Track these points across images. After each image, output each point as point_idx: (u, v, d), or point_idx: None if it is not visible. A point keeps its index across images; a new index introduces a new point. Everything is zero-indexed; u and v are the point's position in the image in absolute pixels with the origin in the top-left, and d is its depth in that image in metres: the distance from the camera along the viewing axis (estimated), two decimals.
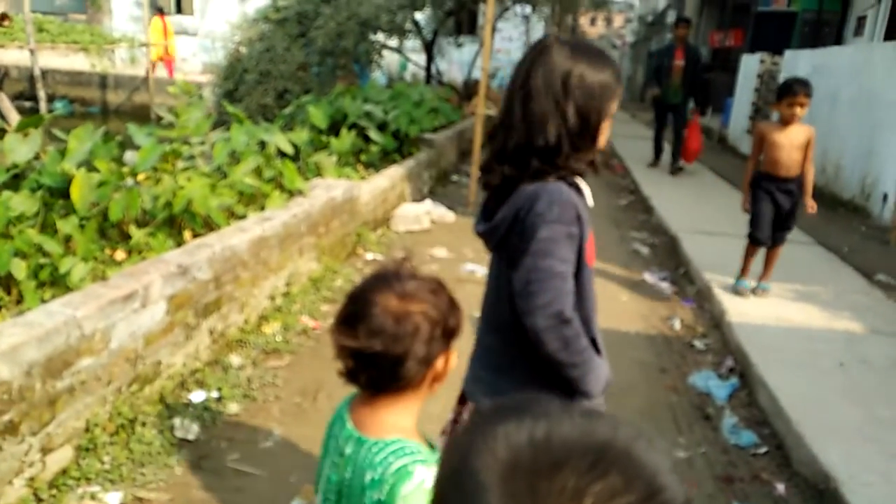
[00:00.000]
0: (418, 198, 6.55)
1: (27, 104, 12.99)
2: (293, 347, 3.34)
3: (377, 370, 1.03)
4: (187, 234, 3.26)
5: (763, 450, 2.76)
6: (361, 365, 1.03)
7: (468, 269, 4.81)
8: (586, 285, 1.42)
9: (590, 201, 1.44)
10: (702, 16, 15.39)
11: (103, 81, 15.77)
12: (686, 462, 2.68)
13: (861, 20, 10.74)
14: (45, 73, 14.92)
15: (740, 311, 3.91)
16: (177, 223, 3.38)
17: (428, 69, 11.58)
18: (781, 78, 9.67)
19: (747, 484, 2.54)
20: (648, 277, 4.94)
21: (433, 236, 5.63)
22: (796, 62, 9.21)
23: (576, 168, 1.39)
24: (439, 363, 1.08)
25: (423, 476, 0.97)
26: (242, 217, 3.62)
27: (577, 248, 1.37)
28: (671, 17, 17.81)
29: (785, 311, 3.92)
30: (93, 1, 18.82)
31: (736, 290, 4.24)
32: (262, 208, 3.79)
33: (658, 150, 9.16)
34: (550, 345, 1.32)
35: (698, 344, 3.81)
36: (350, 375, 1.06)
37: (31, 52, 10.15)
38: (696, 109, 8.51)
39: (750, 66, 11.44)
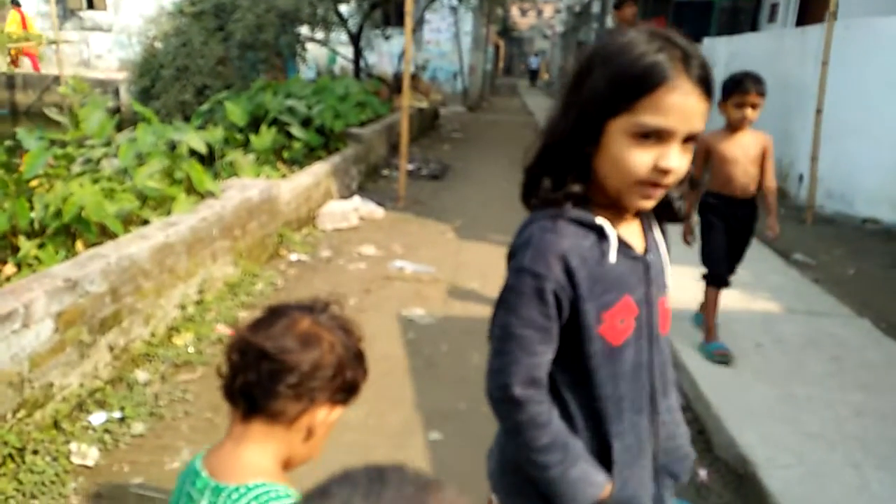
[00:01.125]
0: (346, 194, 6.39)
1: None
2: (207, 359, 3.16)
3: (256, 375, 0.93)
4: (80, 245, 3.03)
5: None
6: (244, 365, 0.94)
7: (397, 266, 4.71)
8: (599, 369, 1.04)
9: (612, 255, 1.03)
10: None
11: (10, 82, 14.83)
12: None
13: (774, 7, 11.15)
14: None
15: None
16: (71, 233, 3.15)
17: (356, 62, 11.36)
18: None
19: None
20: None
21: (362, 233, 5.50)
22: (714, 49, 9.47)
23: (593, 196, 1.04)
24: (320, 413, 0.96)
25: None
26: (147, 223, 3.40)
27: (574, 313, 1.02)
28: (597, 7, 18.09)
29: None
30: None
31: (713, 359, 3.10)
32: (170, 213, 3.58)
33: None
34: (502, 423, 1.07)
35: None
36: (228, 379, 0.96)
37: None
38: None
39: None
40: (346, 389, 0.99)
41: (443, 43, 16.90)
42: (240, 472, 0.93)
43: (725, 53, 8.93)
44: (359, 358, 1.01)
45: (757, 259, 4.81)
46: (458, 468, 2.51)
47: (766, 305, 3.85)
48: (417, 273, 4.61)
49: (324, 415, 0.97)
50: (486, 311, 3.89)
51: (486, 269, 4.80)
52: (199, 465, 0.96)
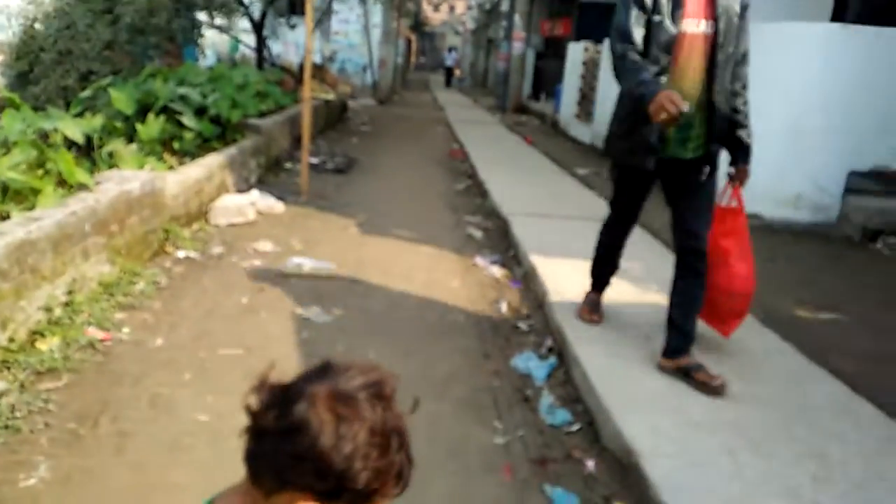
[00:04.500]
0: (244, 188, 6.12)
1: None
2: (74, 365, 2.90)
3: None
4: None
5: (576, 427, 2.80)
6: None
7: (294, 263, 4.53)
8: None
9: None
10: (533, 5, 16.00)
11: None
12: (503, 448, 2.65)
13: None
14: None
15: (560, 290, 4.01)
16: None
17: (259, 51, 10.96)
18: (602, 65, 10.25)
19: (560, 464, 2.56)
20: (480, 261, 4.97)
21: (259, 229, 5.27)
22: None
23: None
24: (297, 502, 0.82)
25: None
26: (6, 218, 3.09)
27: None
28: (506, 5, 18.34)
29: None
30: None
31: None
32: (34, 207, 3.27)
33: (603, 273, 3.65)
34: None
35: (522, 325, 3.85)
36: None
37: None
38: (740, 173, 3.17)
39: (576, 54, 12.05)
40: (336, 492, 0.81)
41: (351, 34, 16.62)
42: None
43: None
44: (373, 456, 0.80)
45: (650, 254, 4.99)
46: None
47: (656, 298, 3.98)
48: (316, 270, 4.46)
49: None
50: (384, 307, 3.80)
51: (389, 264, 4.72)
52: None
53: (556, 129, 13.17)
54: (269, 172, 7.20)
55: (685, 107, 2.42)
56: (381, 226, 5.67)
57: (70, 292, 3.23)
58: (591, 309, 3.59)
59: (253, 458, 0.84)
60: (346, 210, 6.10)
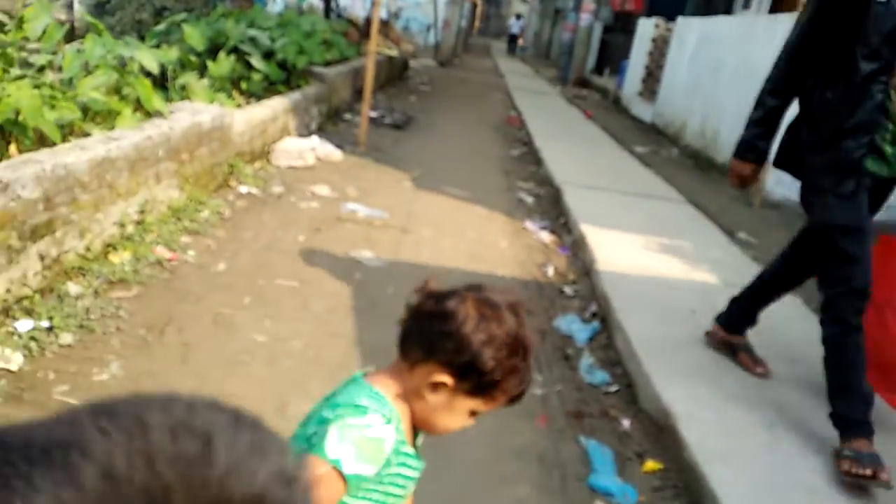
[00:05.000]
0: (305, 133, 6.25)
1: None
2: (143, 278, 3.08)
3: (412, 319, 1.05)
4: (13, 150, 2.88)
5: (614, 388, 2.86)
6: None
7: (349, 208, 4.65)
8: None
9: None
10: None
11: None
12: (541, 399, 2.72)
13: None
14: None
15: (609, 260, 4.02)
16: (6, 137, 2.99)
17: (327, 1, 11.01)
18: (673, 43, 9.98)
19: (596, 419, 2.62)
20: (529, 225, 5.00)
21: (317, 173, 5.40)
22: (687, 29, 9.52)
23: None
24: (434, 373, 0.99)
25: (373, 423, 0.97)
26: (87, 136, 3.25)
27: None
28: None
29: (650, 262, 4.07)
30: None
31: None
32: (114, 129, 3.43)
33: (749, 313, 2.98)
34: None
35: (568, 290, 3.89)
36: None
37: None
38: None
39: (646, 30, 11.74)
40: (467, 370, 0.98)
41: None
42: (377, 380, 1.05)
43: (697, 34, 8.98)
44: (503, 352, 0.98)
45: (703, 234, 4.95)
46: None
47: (706, 277, 3.97)
48: (370, 217, 4.57)
49: (438, 378, 0.99)
50: (435, 259, 3.90)
51: (439, 219, 4.80)
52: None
53: (618, 105, 12.94)
54: (329, 121, 7.31)
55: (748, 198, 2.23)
56: (435, 182, 5.73)
57: (142, 212, 3.40)
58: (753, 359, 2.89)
59: (407, 333, 1.04)
60: (402, 164, 6.18)
